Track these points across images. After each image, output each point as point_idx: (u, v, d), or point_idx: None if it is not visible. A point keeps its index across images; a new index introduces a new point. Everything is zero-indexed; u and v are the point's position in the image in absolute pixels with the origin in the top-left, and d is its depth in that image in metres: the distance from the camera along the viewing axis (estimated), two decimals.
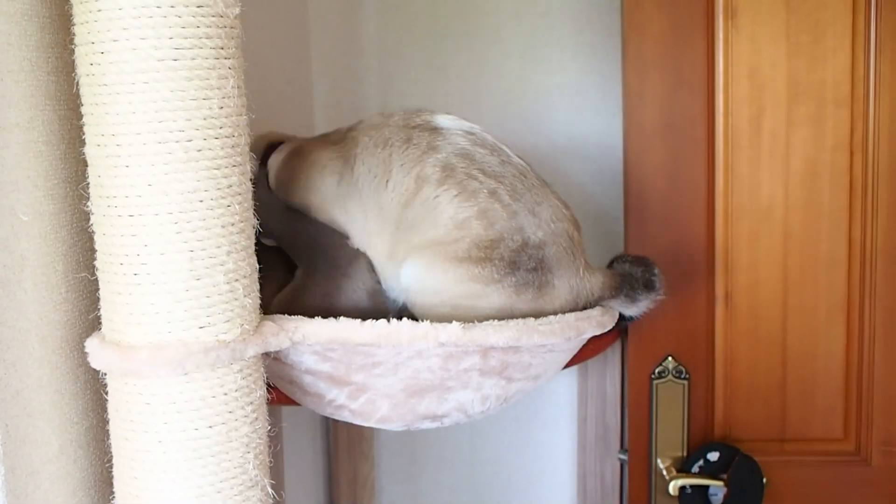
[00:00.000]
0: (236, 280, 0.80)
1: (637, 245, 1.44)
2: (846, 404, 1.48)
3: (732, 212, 1.44)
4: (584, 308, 1.06)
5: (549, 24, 1.71)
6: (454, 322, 0.92)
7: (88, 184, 0.79)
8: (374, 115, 1.07)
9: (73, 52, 0.77)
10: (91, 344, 0.81)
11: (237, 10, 0.79)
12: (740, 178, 1.43)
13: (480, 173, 0.99)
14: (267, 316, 0.89)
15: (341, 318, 0.90)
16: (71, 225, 0.86)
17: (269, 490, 0.84)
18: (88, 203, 0.79)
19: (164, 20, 0.73)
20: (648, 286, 1.12)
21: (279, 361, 0.94)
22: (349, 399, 0.98)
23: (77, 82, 0.77)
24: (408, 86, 1.74)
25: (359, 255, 1.04)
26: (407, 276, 0.99)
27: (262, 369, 0.85)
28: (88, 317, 0.88)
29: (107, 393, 0.81)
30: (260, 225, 0.85)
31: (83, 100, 0.77)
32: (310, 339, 0.89)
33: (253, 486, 0.82)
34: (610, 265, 1.17)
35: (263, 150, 1.13)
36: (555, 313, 1.00)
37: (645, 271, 1.13)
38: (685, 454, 1.49)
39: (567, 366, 1.17)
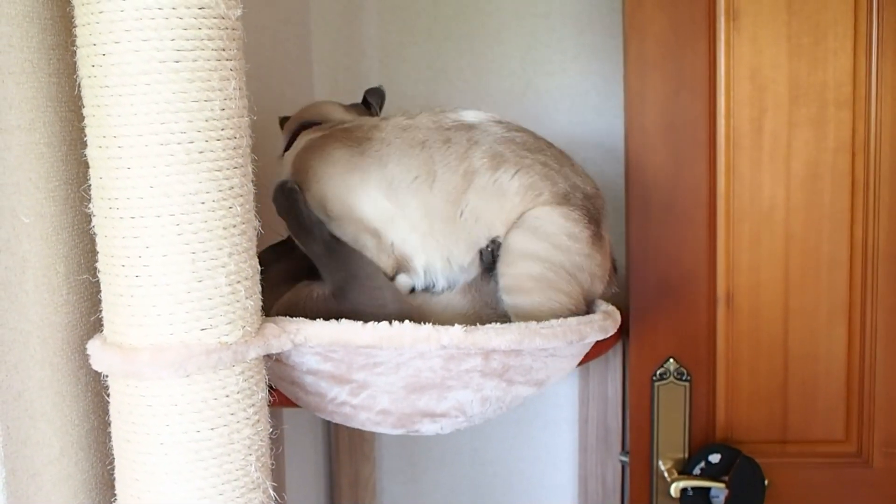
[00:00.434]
0: (238, 282, 0.80)
1: (638, 246, 1.44)
2: (847, 406, 1.48)
3: (734, 213, 1.44)
4: (614, 268, 1.15)
5: (551, 26, 1.71)
6: (456, 325, 0.92)
7: (90, 186, 0.79)
8: (396, 116, 1.09)
9: (74, 53, 0.77)
10: (93, 346, 0.81)
11: (239, 12, 0.79)
12: (742, 180, 1.43)
13: (527, 151, 1.06)
14: (268, 318, 0.89)
15: (343, 319, 0.90)
16: (72, 227, 0.86)
17: (271, 492, 0.84)
18: (90, 205, 0.79)
19: (166, 22, 0.73)
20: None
21: (280, 363, 0.94)
22: (350, 395, 0.98)
23: (79, 84, 0.77)
24: (409, 87, 1.74)
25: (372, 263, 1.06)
26: (517, 232, 1.04)
27: (263, 371, 0.85)
28: (90, 319, 0.88)
29: (108, 395, 0.81)
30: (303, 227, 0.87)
31: (85, 101, 0.77)
32: (311, 341, 0.89)
33: (255, 488, 0.82)
34: None
35: (292, 132, 1.16)
36: (603, 267, 1.09)
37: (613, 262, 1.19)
38: (686, 456, 1.49)
39: None
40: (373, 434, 1.82)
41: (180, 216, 0.75)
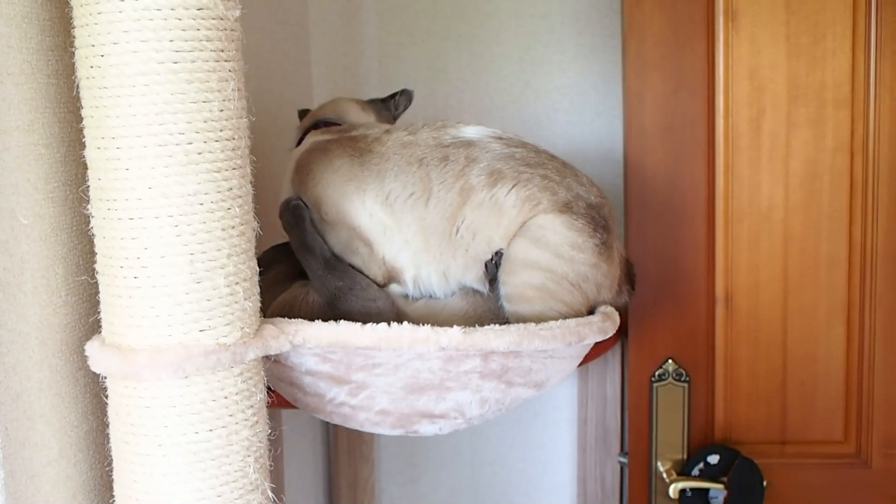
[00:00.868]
0: (237, 283, 0.80)
1: (637, 246, 1.44)
2: (846, 406, 1.48)
3: (733, 213, 1.44)
4: (628, 273, 1.15)
5: (550, 26, 1.71)
6: (454, 326, 0.92)
7: (88, 187, 0.79)
8: (399, 129, 1.09)
9: (73, 54, 0.77)
10: (91, 347, 0.81)
11: (237, 13, 0.79)
12: (740, 180, 1.43)
13: (526, 167, 1.05)
14: (267, 319, 0.88)
15: (342, 321, 0.91)
16: (71, 228, 0.86)
17: (270, 493, 0.84)
18: (88, 206, 0.79)
19: (165, 23, 0.73)
20: (632, 285, 1.18)
21: (279, 364, 0.94)
22: (349, 396, 0.98)
23: (77, 85, 0.77)
24: (408, 87, 1.74)
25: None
26: (519, 241, 1.04)
27: (262, 372, 0.85)
28: (88, 320, 0.88)
29: (107, 396, 0.81)
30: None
31: (83, 103, 0.77)
32: (310, 342, 0.89)
33: (253, 490, 0.82)
34: None
35: (306, 129, 1.17)
36: (611, 276, 1.08)
37: (630, 268, 1.18)
38: (685, 457, 1.49)
39: None
40: (371, 435, 1.82)
41: (179, 217, 0.75)
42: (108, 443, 0.82)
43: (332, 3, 1.75)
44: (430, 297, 1.08)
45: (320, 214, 1.06)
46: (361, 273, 1.06)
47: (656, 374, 1.48)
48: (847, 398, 1.47)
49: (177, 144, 0.74)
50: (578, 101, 1.73)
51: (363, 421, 1.02)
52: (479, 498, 1.90)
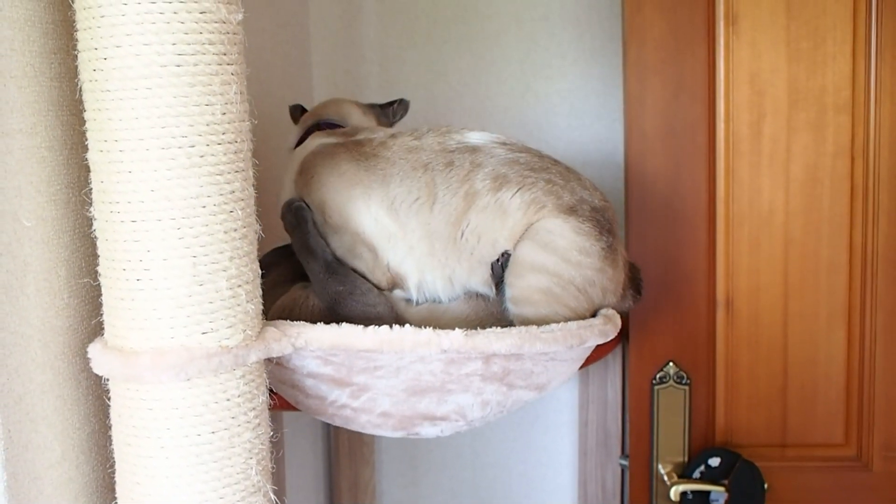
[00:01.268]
0: (239, 286, 0.80)
1: (638, 250, 1.45)
2: (847, 409, 1.48)
3: (733, 217, 1.44)
4: (633, 278, 1.15)
5: (550, 30, 1.71)
6: (456, 329, 0.92)
7: (91, 189, 0.79)
8: (404, 134, 1.09)
9: (76, 57, 0.77)
10: (93, 349, 0.81)
11: (239, 16, 0.79)
12: (741, 184, 1.43)
13: (531, 171, 1.06)
14: (269, 321, 0.89)
15: (344, 323, 0.91)
16: (73, 230, 0.86)
17: (272, 495, 0.84)
18: (91, 208, 0.79)
19: (167, 26, 0.73)
20: (637, 289, 1.18)
21: (281, 366, 0.94)
22: (351, 398, 0.98)
23: (80, 88, 0.77)
24: (409, 90, 1.74)
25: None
26: (526, 244, 1.04)
27: (264, 375, 0.85)
28: (91, 322, 0.88)
29: (109, 398, 0.81)
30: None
31: (86, 105, 0.77)
32: (312, 344, 0.89)
33: (255, 492, 0.82)
34: None
35: (307, 128, 1.17)
36: (616, 280, 1.08)
37: (635, 273, 1.18)
38: (686, 459, 1.49)
39: None
40: (372, 437, 1.82)
41: (181, 220, 0.76)
42: (110, 445, 0.82)
43: (333, 6, 1.76)
44: (434, 301, 1.08)
45: (324, 218, 1.06)
46: (364, 278, 1.06)
47: (657, 376, 1.48)
48: (847, 401, 1.47)
49: (179, 147, 0.75)
50: (579, 105, 1.73)
51: (365, 423, 1.02)
52: (479, 500, 1.90)
